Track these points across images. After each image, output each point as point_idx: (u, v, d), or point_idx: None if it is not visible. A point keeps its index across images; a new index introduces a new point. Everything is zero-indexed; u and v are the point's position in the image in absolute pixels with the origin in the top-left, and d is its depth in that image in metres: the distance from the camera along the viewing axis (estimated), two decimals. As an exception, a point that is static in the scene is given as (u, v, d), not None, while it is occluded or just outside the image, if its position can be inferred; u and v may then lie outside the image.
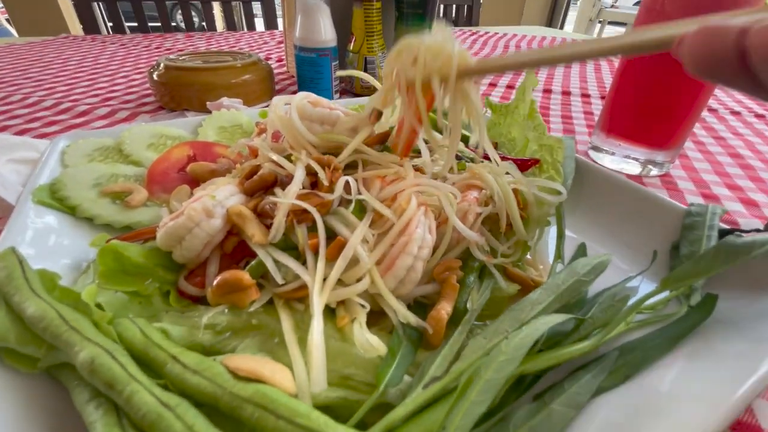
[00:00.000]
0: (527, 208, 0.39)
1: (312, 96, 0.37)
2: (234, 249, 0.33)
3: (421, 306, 0.33)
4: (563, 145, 0.42)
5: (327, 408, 0.23)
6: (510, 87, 1.09)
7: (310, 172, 0.34)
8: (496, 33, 1.91)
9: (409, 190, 0.32)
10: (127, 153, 0.48)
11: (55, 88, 0.91)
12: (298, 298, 0.29)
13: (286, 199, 0.31)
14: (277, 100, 0.36)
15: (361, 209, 0.33)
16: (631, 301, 0.33)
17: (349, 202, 0.33)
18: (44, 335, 0.23)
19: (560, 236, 0.38)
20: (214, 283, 0.29)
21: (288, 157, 0.36)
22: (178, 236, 0.31)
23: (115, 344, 0.23)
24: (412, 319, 0.28)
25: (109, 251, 0.30)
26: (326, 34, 0.82)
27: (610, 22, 3.56)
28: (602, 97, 1.03)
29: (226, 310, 0.29)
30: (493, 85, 1.10)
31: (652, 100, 0.58)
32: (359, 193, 0.33)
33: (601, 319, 0.30)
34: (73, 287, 0.28)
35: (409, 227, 0.30)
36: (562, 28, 3.17)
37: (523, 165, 0.43)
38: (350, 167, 0.36)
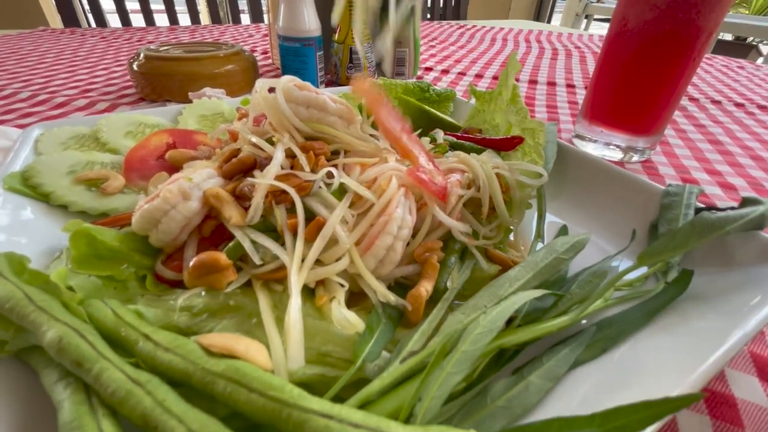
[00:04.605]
0: (509, 191, 0.39)
1: (297, 80, 0.36)
2: (212, 233, 0.33)
3: (401, 287, 0.33)
4: (545, 128, 0.43)
5: (304, 385, 0.23)
6: (495, 78, 1.09)
7: (291, 155, 0.34)
8: (484, 26, 1.92)
9: (389, 172, 0.32)
10: (104, 141, 0.47)
11: (32, 80, 0.88)
12: (277, 279, 0.29)
13: (265, 179, 0.30)
14: (262, 83, 0.36)
15: (342, 192, 0.33)
16: (608, 278, 0.33)
17: (330, 186, 0.33)
18: (11, 316, 0.22)
19: (540, 216, 0.39)
20: (190, 264, 0.28)
21: (269, 141, 0.35)
22: (154, 219, 0.31)
23: (84, 324, 0.22)
24: (391, 297, 0.28)
25: (82, 235, 0.30)
26: (310, 23, 0.81)
27: (596, 18, 3.59)
28: (586, 87, 1.03)
29: (203, 293, 0.28)
30: (479, 76, 1.10)
31: (633, 86, 0.59)
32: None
33: (580, 295, 0.31)
34: (45, 271, 0.27)
35: (389, 207, 0.30)
36: (549, 22, 3.19)
37: (509, 143, 0.43)
38: (333, 153, 0.36)
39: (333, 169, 0.32)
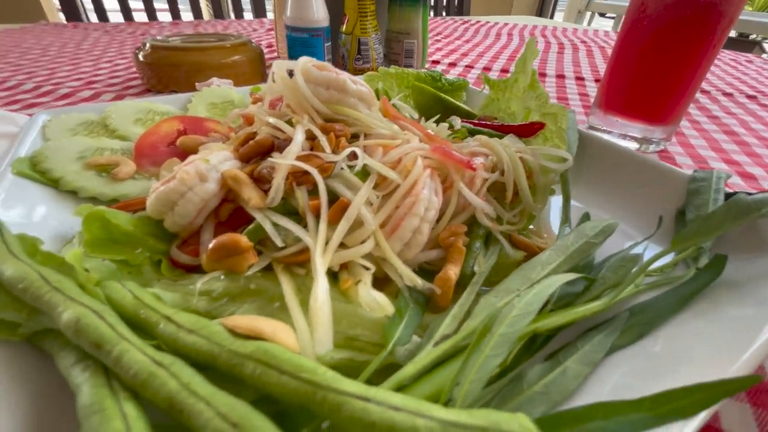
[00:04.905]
0: (533, 176, 0.38)
1: (315, 60, 0.35)
2: (229, 216, 0.32)
3: (426, 272, 0.32)
4: (567, 112, 0.41)
5: (332, 370, 0.21)
6: (504, 71, 1.08)
7: (310, 138, 0.33)
8: (488, 22, 1.91)
9: (413, 153, 0.31)
10: (113, 128, 0.46)
11: (36, 72, 0.87)
12: (299, 262, 0.28)
13: (286, 159, 0.29)
14: (279, 64, 0.35)
15: (365, 174, 0.31)
16: (639, 263, 0.32)
17: (352, 168, 0.31)
18: (24, 297, 0.21)
19: (567, 200, 0.37)
20: (209, 246, 0.27)
21: (288, 123, 0.34)
22: (170, 201, 0.30)
23: (102, 305, 0.21)
24: (418, 281, 0.27)
25: (96, 218, 0.28)
26: (318, 13, 0.80)
27: (599, 14, 3.58)
28: (596, 80, 1.02)
29: (222, 276, 0.27)
30: (487, 69, 1.09)
31: (652, 73, 0.58)
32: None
33: (612, 280, 0.29)
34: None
35: (416, 188, 0.29)
36: (551, 18, 3.17)
37: (529, 129, 0.42)
38: (352, 137, 0.35)
39: (357, 149, 0.31)
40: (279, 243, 0.27)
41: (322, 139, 0.32)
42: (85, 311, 0.20)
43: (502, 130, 0.45)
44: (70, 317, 0.20)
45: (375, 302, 0.24)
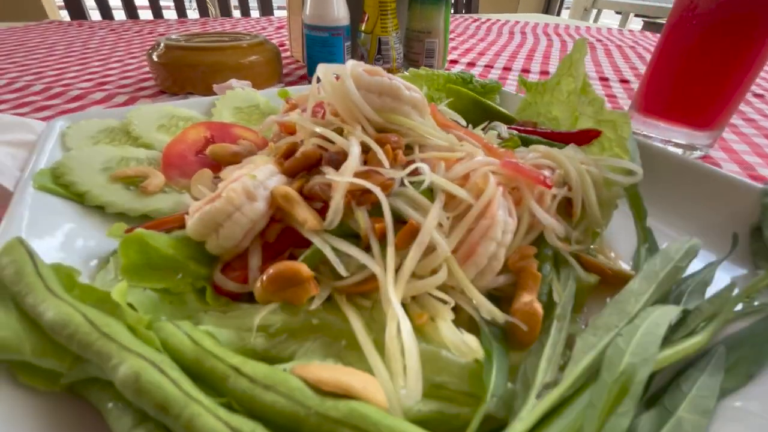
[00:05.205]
0: (596, 190, 0.35)
1: (365, 65, 0.32)
2: (277, 237, 0.29)
3: (492, 300, 0.29)
4: (628, 119, 0.38)
5: (420, 423, 0.19)
6: (525, 71, 1.05)
7: (363, 150, 0.30)
8: (498, 19, 1.88)
9: (483, 168, 0.28)
10: (136, 135, 0.43)
11: (43, 73, 0.84)
12: (364, 292, 0.25)
13: (344, 177, 0.26)
14: (324, 68, 0.31)
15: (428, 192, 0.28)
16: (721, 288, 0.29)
17: (414, 185, 0.28)
18: (70, 345, 0.18)
19: (642, 218, 0.34)
20: (265, 276, 0.24)
21: (337, 133, 0.31)
22: (215, 223, 0.27)
23: (160, 354, 0.18)
24: (498, 314, 0.24)
25: (134, 241, 0.26)
26: (339, 11, 0.77)
27: (616, 12, 3.54)
28: (621, 81, 0.99)
29: (279, 309, 0.24)
30: (507, 69, 1.06)
31: (699, 74, 0.55)
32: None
33: (709, 310, 0.26)
34: (92, 284, 0.23)
35: (490, 209, 0.26)
36: (558, 15, 3.14)
37: (584, 137, 0.39)
38: (406, 149, 0.32)
39: (423, 165, 0.28)
40: (343, 272, 0.24)
41: (379, 152, 0.29)
42: (144, 365, 0.17)
43: (555, 138, 0.42)
44: (128, 372, 0.17)
45: (465, 345, 0.21)
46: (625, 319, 0.23)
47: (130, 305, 0.23)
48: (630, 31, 1.78)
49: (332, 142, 0.31)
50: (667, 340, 0.25)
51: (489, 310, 0.24)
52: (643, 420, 0.21)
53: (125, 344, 0.18)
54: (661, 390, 0.23)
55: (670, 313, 0.23)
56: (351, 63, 0.32)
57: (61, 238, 0.32)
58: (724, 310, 0.26)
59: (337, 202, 0.26)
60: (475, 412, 0.19)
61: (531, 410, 0.19)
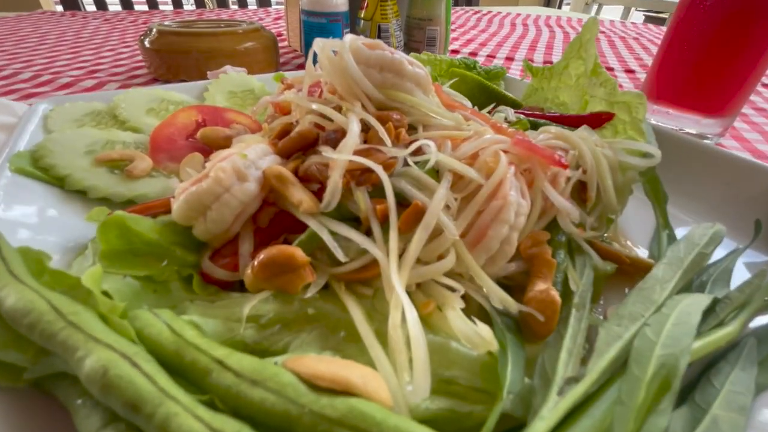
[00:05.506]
0: (611, 174, 0.33)
1: (364, 38, 0.30)
2: (270, 222, 0.27)
3: (502, 289, 0.27)
4: (643, 99, 0.36)
5: (429, 422, 0.17)
6: (530, 60, 1.03)
7: (363, 129, 0.28)
8: (499, 12, 1.85)
9: (493, 147, 0.26)
10: (124, 118, 0.41)
11: (33, 61, 0.81)
12: (365, 279, 0.23)
13: (343, 155, 0.24)
14: (322, 42, 0.29)
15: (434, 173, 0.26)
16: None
17: (418, 165, 0.26)
18: (31, 335, 0.16)
19: (662, 202, 0.32)
20: (257, 262, 0.22)
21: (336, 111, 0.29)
22: (203, 205, 0.25)
23: (134, 346, 0.16)
24: (512, 303, 0.22)
25: (114, 225, 0.23)
26: (338, -4, 0.74)
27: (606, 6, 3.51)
28: (627, 71, 0.97)
29: (271, 298, 0.22)
30: (509, 59, 1.03)
31: (712, 61, 0.53)
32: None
33: (739, 299, 0.24)
34: (67, 271, 0.21)
35: (502, 189, 0.24)
36: (560, 8, 3.11)
37: (596, 120, 0.37)
38: (409, 128, 0.30)
39: (428, 142, 0.25)
40: (341, 257, 0.22)
41: (381, 130, 0.27)
42: (114, 357, 0.15)
43: (565, 122, 0.40)
44: (95, 366, 0.15)
45: (477, 336, 0.19)
46: (651, 308, 0.21)
47: (106, 293, 0.21)
48: (633, 23, 1.76)
49: (330, 121, 0.28)
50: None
51: (501, 298, 0.22)
52: (674, 417, 0.19)
53: (94, 334, 0.16)
54: (688, 385, 0.21)
55: (701, 301, 0.21)
56: (349, 36, 0.30)
57: (38, 224, 0.29)
58: (754, 299, 0.24)
59: (334, 182, 0.24)
60: (489, 410, 0.17)
61: (553, 408, 0.17)
